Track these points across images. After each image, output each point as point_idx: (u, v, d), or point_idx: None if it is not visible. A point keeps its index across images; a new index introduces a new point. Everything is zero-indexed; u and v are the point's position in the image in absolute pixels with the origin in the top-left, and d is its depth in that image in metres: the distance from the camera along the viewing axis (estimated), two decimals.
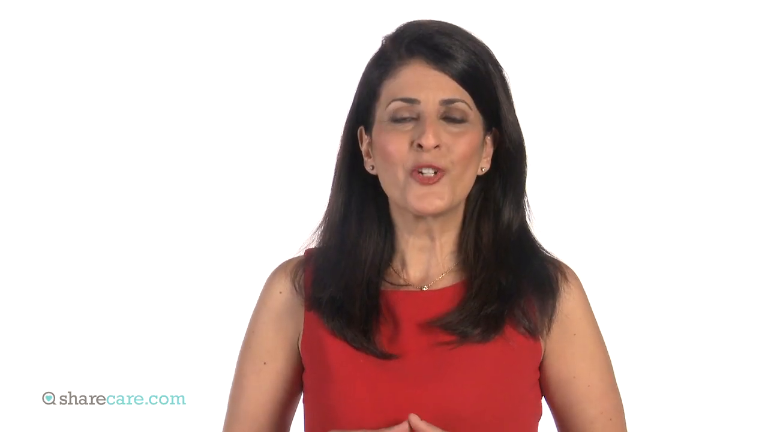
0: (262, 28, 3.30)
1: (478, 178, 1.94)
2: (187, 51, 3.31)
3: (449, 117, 1.89)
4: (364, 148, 1.94)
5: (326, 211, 1.98)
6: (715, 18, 3.27)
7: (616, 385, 1.98)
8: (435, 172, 1.87)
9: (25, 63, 3.29)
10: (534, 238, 1.98)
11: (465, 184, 1.91)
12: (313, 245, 2.00)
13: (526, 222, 1.97)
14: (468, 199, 1.94)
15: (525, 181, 1.96)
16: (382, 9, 3.13)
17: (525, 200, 1.97)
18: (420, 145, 1.87)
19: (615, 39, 3.28)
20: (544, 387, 1.96)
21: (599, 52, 3.28)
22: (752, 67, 3.27)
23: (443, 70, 1.88)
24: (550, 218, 2.07)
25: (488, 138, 1.93)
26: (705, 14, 3.27)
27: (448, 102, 1.88)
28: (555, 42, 3.28)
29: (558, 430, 2.00)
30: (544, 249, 1.98)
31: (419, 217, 1.92)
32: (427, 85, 1.88)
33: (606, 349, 1.98)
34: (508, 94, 1.94)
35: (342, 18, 3.26)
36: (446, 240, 1.95)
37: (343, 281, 1.93)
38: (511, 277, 1.92)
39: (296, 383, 2.00)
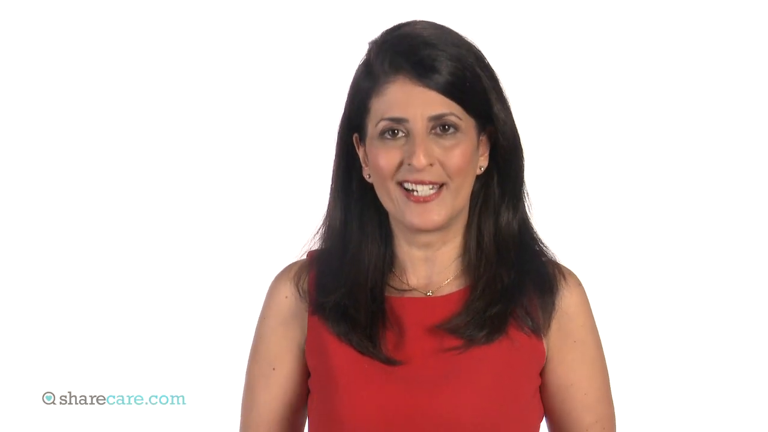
0: (262, 30, 3.29)
1: (478, 177, 1.93)
2: (191, 54, 3.30)
3: (440, 131, 1.86)
4: (361, 155, 1.93)
5: (325, 216, 1.97)
6: (714, 18, 3.26)
7: (611, 394, 1.98)
8: (432, 188, 1.86)
9: (25, 63, 3.28)
10: (535, 234, 1.96)
11: (464, 194, 1.90)
12: (313, 248, 1.99)
13: (527, 217, 1.96)
14: (470, 197, 1.93)
15: (523, 175, 1.95)
16: (380, 8, 3.12)
17: (524, 194, 1.95)
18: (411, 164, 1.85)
19: (612, 32, 3.27)
20: (542, 392, 1.96)
21: (597, 47, 3.27)
22: (752, 67, 3.27)
23: (428, 85, 1.85)
24: (550, 216, 2.06)
25: (483, 137, 1.92)
26: (705, 14, 3.26)
27: (436, 118, 1.85)
28: (552, 37, 3.27)
29: None
30: (545, 246, 1.97)
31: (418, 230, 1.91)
32: (414, 103, 1.85)
33: (604, 357, 1.98)
34: (498, 91, 1.91)
35: (342, 17, 3.25)
36: (448, 249, 1.94)
37: (347, 286, 1.92)
38: (513, 274, 1.91)
39: (305, 387, 1.99)
